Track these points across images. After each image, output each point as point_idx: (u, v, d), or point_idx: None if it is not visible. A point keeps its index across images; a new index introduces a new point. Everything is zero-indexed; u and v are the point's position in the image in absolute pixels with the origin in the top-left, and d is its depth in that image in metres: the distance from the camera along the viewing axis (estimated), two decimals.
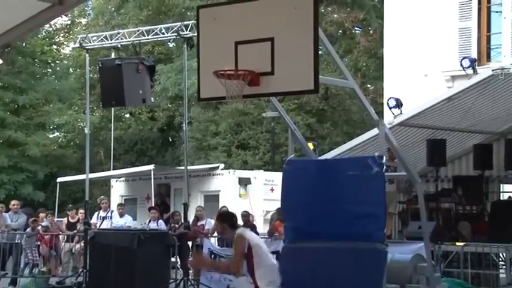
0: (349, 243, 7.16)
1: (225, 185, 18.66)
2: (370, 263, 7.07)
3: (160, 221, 14.86)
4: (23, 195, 22.31)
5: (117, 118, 26.86)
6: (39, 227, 13.92)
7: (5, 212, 13.96)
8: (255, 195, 17.96)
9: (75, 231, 14.46)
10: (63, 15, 22.61)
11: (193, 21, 12.42)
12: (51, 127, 29.33)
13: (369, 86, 27.98)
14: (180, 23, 13.64)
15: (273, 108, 10.14)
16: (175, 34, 13.48)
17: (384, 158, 7.19)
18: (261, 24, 6.93)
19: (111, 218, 15.37)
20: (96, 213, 15.63)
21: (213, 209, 16.78)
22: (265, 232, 14.28)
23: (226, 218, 7.06)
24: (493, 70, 11.65)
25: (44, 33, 29.59)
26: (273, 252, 11.16)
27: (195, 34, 10.80)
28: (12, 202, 14.56)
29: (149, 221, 14.87)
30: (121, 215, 15.81)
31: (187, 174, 13.88)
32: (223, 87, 6.87)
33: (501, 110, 12.95)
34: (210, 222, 14.65)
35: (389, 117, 12.64)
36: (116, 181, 20.56)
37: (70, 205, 16.54)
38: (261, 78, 6.87)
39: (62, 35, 31.51)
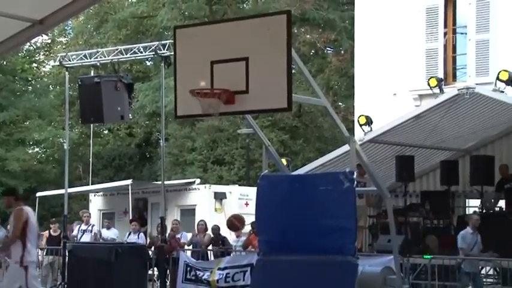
0: (321, 256, 7.29)
1: (201, 199, 18.96)
2: (341, 276, 7.23)
3: (141, 234, 15.15)
4: (3, 209, 22.35)
5: (96, 134, 27.09)
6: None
7: None
8: (230, 210, 18.28)
9: (56, 245, 14.61)
10: (43, 35, 22.90)
11: (170, 41, 12.77)
12: (30, 143, 29.43)
13: (340, 104, 28.52)
14: (157, 42, 14.00)
15: (248, 125, 10.46)
16: (153, 53, 13.84)
17: (355, 173, 7.36)
18: (236, 44, 7.14)
19: (91, 231, 15.64)
20: (78, 226, 15.88)
21: (189, 222, 17.13)
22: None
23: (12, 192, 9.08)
24: (458, 89, 11.98)
25: (24, 52, 29.79)
26: (247, 265, 11.56)
27: (172, 53, 11.13)
28: None
29: (129, 234, 15.14)
30: (108, 228, 16.08)
31: (164, 189, 14.18)
32: (199, 105, 7.16)
33: (466, 128, 13.36)
34: (185, 236, 14.97)
35: (359, 134, 13.03)
36: (94, 195, 20.78)
37: (53, 219, 16.73)
38: (236, 97, 7.06)
39: (42, 53, 31.71)
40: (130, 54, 14.24)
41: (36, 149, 30.50)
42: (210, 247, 14.55)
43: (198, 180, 20.40)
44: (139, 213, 18.64)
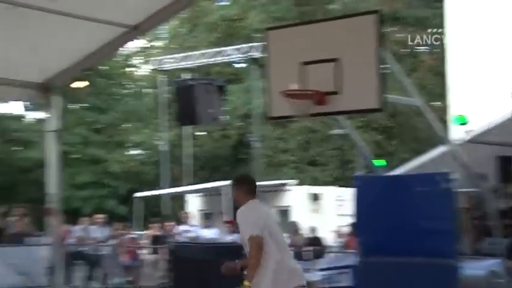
0: (421, 258, 7.24)
1: (295, 200, 19.00)
2: (442, 279, 7.14)
3: (238, 234, 15.28)
4: (106, 209, 23.22)
5: (191, 136, 27.66)
6: (122, 239, 14.58)
7: (91, 225, 14.67)
8: (326, 211, 18.21)
9: (158, 244, 15.01)
10: (139, 39, 23.60)
11: (261, 43, 12.89)
12: (129, 145, 30.41)
13: (434, 103, 27.86)
14: (248, 45, 14.15)
15: (341, 126, 10.42)
16: (244, 55, 13.99)
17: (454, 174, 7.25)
18: (326, 45, 7.18)
19: (193, 231, 15.94)
20: (179, 226, 16.21)
21: (283, 223, 17.17)
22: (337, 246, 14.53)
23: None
24: None
25: (121, 56, 30.80)
26: (347, 267, 11.45)
27: (262, 55, 11.22)
28: (97, 216, 15.20)
29: (225, 234, 15.33)
30: (208, 228, 16.35)
31: (259, 190, 14.24)
32: (291, 106, 7.20)
33: None
34: None
35: (456, 134, 12.72)
36: (192, 196, 21.20)
37: (153, 219, 17.18)
38: (327, 98, 7.11)
39: (138, 57, 32.68)
40: (222, 56, 14.43)
41: (135, 151, 31.45)
42: (306, 248, 14.54)
43: (292, 181, 20.43)
44: (236, 214, 18.85)
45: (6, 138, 26.71)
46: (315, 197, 19.01)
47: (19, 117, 30.89)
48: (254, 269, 5.10)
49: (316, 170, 27.89)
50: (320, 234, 14.85)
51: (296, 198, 19.05)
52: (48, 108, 12.67)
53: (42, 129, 12.60)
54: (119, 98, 30.50)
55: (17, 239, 12.97)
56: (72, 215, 17.95)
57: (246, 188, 5.49)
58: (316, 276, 11.70)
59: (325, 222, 17.02)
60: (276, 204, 19.41)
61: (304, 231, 14.83)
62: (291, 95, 7.12)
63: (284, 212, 18.92)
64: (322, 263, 12.16)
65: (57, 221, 13.30)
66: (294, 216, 17.54)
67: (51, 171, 12.88)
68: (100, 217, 15.10)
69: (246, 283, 5.10)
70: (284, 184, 19.90)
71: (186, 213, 17.90)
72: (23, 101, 28.05)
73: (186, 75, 22.24)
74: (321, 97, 7.12)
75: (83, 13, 9.54)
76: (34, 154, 25.71)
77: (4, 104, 31.54)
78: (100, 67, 27.46)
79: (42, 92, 11.73)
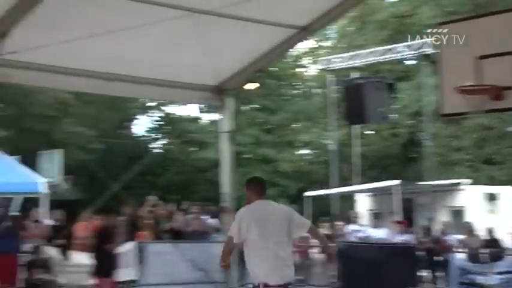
0: None
1: (469, 200, 18.29)
2: None
3: (409, 235, 15.00)
4: None
5: (360, 134, 27.51)
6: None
7: None
8: (503, 211, 17.35)
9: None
10: (308, 39, 23.88)
11: (431, 38, 12.54)
12: (298, 145, 30.87)
13: None
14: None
15: None
16: (416, 52, 13.69)
17: None
18: (505, 37, 6.89)
19: (362, 231, 15.87)
20: (348, 226, 16.21)
21: (458, 224, 16.59)
22: None
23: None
24: None
25: (291, 57, 31.33)
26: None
27: (435, 51, 10.95)
28: None
29: (395, 234, 15.09)
30: (377, 228, 16.20)
31: (431, 190, 13.90)
32: (465, 102, 6.96)
33: None
34: (454, 238, 14.53)
35: None
36: (362, 196, 21.09)
37: (323, 218, 17.30)
38: (505, 92, 6.84)
39: (307, 57, 33.07)
40: (392, 54, 14.20)
41: (305, 151, 31.84)
42: (482, 250, 13.96)
43: (466, 181, 19.67)
44: (406, 215, 18.51)
45: (183, 139, 28.16)
46: (492, 197, 18.16)
47: (195, 119, 32.41)
48: (222, 257, 5.83)
49: (492, 169, 26.62)
50: (497, 235, 14.20)
51: (471, 198, 18.31)
52: (221, 109, 13.21)
53: (216, 130, 13.12)
54: (289, 98, 31.06)
55: (196, 236, 13.59)
56: None
57: (256, 190, 5.95)
58: (493, 279, 11.21)
59: (503, 224, 16.19)
60: (448, 204, 18.79)
61: (480, 232, 14.23)
62: (465, 90, 6.89)
63: (457, 213, 18.28)
64: (500, 266, 11.60)
65: (231, 220, 13.83)
66: (468, 217, 16.88)
67: (225, 171, 13.41)
68: None
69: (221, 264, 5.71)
70: (457, 183, 19.21)
71: (356, 212, 17.81)
72: (199, 104, 29.53)
73: (355, 74, 22.20)
74: (498, 92, 6.83)
75: (255, 16, 9.83)
76: (209, 154, 26.85)
77: (182, 107, 33.45)
78: (270, 68, 28.09)
79: (216, 94, 12.24)
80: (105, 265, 8.87)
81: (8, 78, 10.00)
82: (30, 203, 16.07)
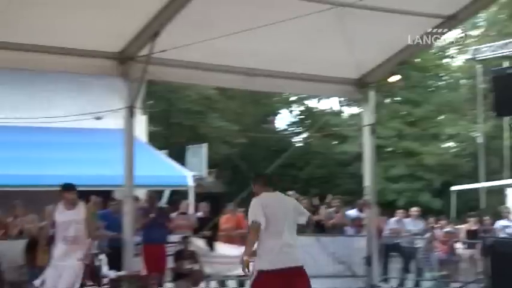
0: None
1: None
2: None
3: None
4: (421, 203, 23.17)
5: (510, 127, 26.21)
6: (437, 233, 14.39)
7: (406, 218, 14.75)
8: None
9: (475, 239, 14.54)
10: (456, 29, 23.04)
11: None
12: (444, 137, 29.94)
13: None
14: None
15: None
16: None
17: None
18: None
19: None
20: (498, 221, 15.52)
21: None
22: None
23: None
24: None
25: (436, 48, 30.39)
26: None
27: None
28: (413, 209, 15.20)
29: None
30: None
31: None
32: None
33: None
34: None
35: None
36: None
37: (471, 213, 16.68)
38: None
39: (453, 48, 31.93)
40: None
41: (450, 144, 30.80)
42: None
43: None
44: None
45: (325, 133, 28.19)
46: None
47: (337, 113, 32.30)
48: (248, 246, 6.18)
49: None
50: None
51: None
52: (363, 103, 13.07)
53: (357, 124, 13.01)
54: (434, 90, 30.17)
55: (337, 230, 13.56)
56: (387, 208, 18.25)
57: (260, 183, 6.51)
58: None
59: None
60: None
61: None
62: None
63: None
64: None
65: (373, 213, 13.68)
66: None
67: (367, 165, 13.27)
68: (415, 210, 15.07)
69: (244, 258, 6.03)
70: None
71: (507, 207, 16.98)
72: (340, 97, 29.37)
73: (506, 63, 21.13)
74: None
75: (398, 7, 9.63)
76: (350, 148, 26.67)
77: (323, 101, 33.43)
78: (414, 60, 27.40)
79: (358, 87, 12.13)
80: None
81: (159, 75, 10.46)
82: (177, 195, 16.72)
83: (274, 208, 6.26)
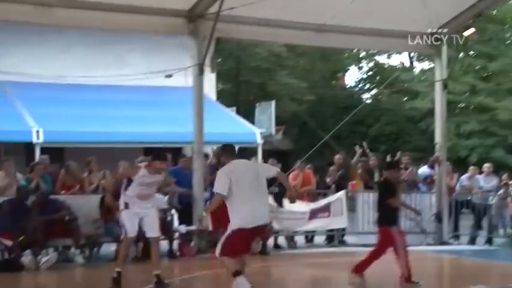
0: None
1: None
2: None
3: None
4: (494, 159, 22.60)
5: None
6: (509, 190, 14.03)
7: (479, 174, 14.43)
8: None
9: None
10: None
11: None
12: None
13: None
14: None
15: None
16: None
17: None
18: None
19: None
20: None
21: None
22: None
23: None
24: None
25: None
26: None
27: None
28: (485, 165, 14.84)
29: None
30: None
31: None
32: None
33: None
34: None
35: None
36: None
37: None
38: None
39: None
40: None
41: None
42: None
43: None
44: None
45: (395, 89, 27.72)
46: None
47: (408, 68, 31.66)
48: (210, 209, 7.24)
49: None
50: None
51: None
52: (435, 58, 12.75)
53: (429, 79, 12.71)
54: (511, 43, 29.08)
55: (407, 187, 13.37)
56: (459, 164, 17.89)
57: (229, 151, 7.11)
58: None
59: None
60: None
61: None
62: None
63: None
64: None
65: (444, 170, 13.45)
66: None
67: (438, 121, 13.00)
68: (487, 166, 14.71)
69: (203, 213, 7.09)
70: None
71: None
72: (411, 52, 28.73)
73: None
74: None
75: None
76: (421, 104, 26.16)
77: (394, 56, 32.81)
78: (490, 12, 26.39)
79: (430, 42, 11.81)
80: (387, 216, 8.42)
81: (228, 33, 10.47)
82: (244, 152, 16.78)
83: (241, 173, 6.84)
